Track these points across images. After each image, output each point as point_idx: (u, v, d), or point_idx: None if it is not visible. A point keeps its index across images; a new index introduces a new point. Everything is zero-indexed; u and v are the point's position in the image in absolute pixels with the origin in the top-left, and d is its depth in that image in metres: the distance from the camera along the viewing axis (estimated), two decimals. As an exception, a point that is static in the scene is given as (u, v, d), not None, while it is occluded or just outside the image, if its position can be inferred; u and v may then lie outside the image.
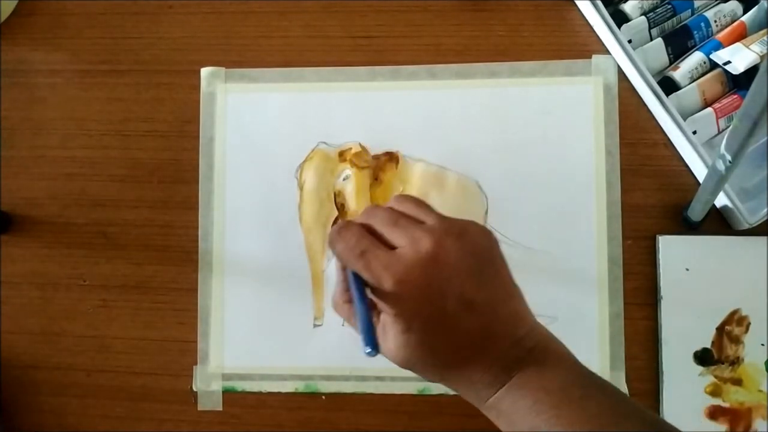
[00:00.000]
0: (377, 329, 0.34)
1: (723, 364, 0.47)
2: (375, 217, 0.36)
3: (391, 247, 0.34)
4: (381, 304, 0.33)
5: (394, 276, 0.32)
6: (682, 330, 0.48)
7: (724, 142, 0.38)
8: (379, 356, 0.50)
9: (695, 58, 0.50)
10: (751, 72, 0.46)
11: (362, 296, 0.34)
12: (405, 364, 0.33)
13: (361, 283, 0.34)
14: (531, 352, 0.33)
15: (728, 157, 0.38)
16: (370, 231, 0.35)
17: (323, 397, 0.50)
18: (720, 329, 0.48)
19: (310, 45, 0.53)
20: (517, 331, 0.33)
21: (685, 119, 0.49)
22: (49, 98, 0.54)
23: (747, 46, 0.48)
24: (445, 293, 0.32)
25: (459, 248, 0.33)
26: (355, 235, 0.35)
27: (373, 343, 0.32)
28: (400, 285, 0.32)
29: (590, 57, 0.51)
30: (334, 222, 0.51)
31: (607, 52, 0.51)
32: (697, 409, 0.47)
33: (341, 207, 0.51)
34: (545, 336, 0.34)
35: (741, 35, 0.50)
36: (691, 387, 0.47)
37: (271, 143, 0.52)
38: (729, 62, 0.48)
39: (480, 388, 0.33)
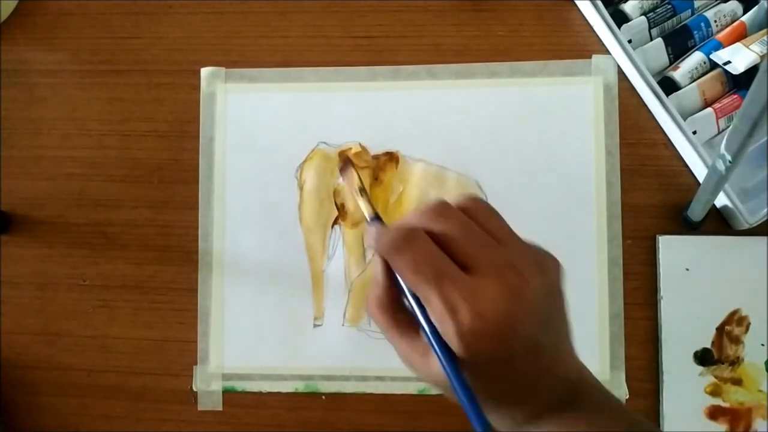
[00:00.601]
0: (417, 346, 0.30)
1: (723, 364, 0.47)
2: (447, 222, 0.31)
3: (462, 266, 0.29)
4: (443, 330, 0.29)
5: (473, 309, 0.28)
6: (682, 330, 0.48)
7: (724, 142, 0.38)
8: (379, 355, 0.51)
9: (695, 58, 0.50)
10: (751, 72, 0.46)
11: (444, 347, 0.29)
12: (445, 387, 0.30)
13: (425, 314, 0.29)
14: (577, 392, 0.31)
15: (728, 157, 0.38)
16: (436, 239, 0.30)
17: (323, 397, 0.50)
18: (720, 329, 0.48)
19: (310, 45, 0.53)
20: (569, 371, 0.31)
21: (685, 119, 0.49)
22: (49, 98, 0.54)
23: (747, 46, 0.48)
24: (517, 332, 0.28)
25: (542, 285, 0.30)
26: (430, 251, 0.29)
27: (483, 421, 0.27)
28: (478, 320, 0.28)
29: (590, 57, 0.51)
30: (335, 222, 0.51)
31: (607, 52, 0.51)
32: (697, 409, 0.47)
33: (341, 207, 0.51)
34: (587, 374, 0.32)
35: (741, 35, 0.50)
36: (691, 387, 0.47)
37: (271, 143, 0.52)
38: (729, 62, 0.48)
39: (521, 422, 0.31)
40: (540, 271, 0.30)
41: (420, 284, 0.29)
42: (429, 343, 0.29)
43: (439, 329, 0.29)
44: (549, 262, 0.32)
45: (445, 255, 0.29)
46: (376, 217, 0.33)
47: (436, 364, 0.29)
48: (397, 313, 0.32)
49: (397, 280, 0.31)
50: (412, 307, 0.30)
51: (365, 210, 0.34)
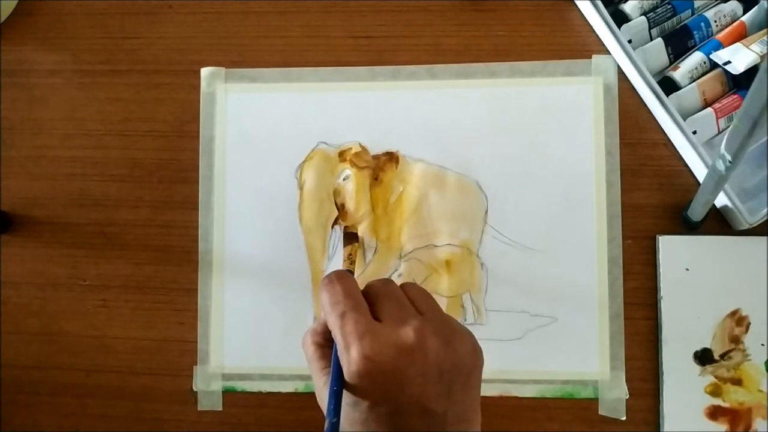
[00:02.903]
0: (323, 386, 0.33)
1: (723, 363, 0.47)
2: (375, 285, 0.35)
3: (376, 317, 0.33)
4: (342, 367, 0.32)
5: (362, 349, 0.31)
6: (682, 330, 0.48)
7: (724, 142, 0.38)
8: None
9: (695, 58, 0.50)
10: (751, 72, 0.46)
11: (338, 364, 0.32)
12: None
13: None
14: None
15: (728, 157, 0.38)
16: (365, 294, 0.34)
17: (323, 397, 0.50)
18: (720, 329, 0.48)
19: (310, 45, 0.53)
20: None
21: (685, 119, 0.49)
22: (49, 98, 0.54)
23: (747, 46, 0.48)
24: (404, 390, 0.30)
25: (440, 352, 0.31)
26: (344, 291, 0.33)
27: (336, 413, 0.31)
28: (365, 361, 0.30)
29: (590, 57, 0.51)
30: (335, 222, 0.51)
31: (607, 52, 0.51)
32: (697, 409, 0.47)
33: (341, 207, 0.51)
34: None
35: (741, 35, 0.50)
36: (691, 387, 0.47)
37: (271, 143, 0.52)
38: (729, 62, 0.48)
39: None
40: (446, 342, 0.32)
41: (329, 318, 0.33)
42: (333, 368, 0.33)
43: (340, 356, 0.32)
44: (461, 341, 0.33)
45: (362, 300, 0.33)
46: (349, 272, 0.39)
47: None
48: (324, 348, 0.35)
49: None
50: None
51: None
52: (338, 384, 0.32)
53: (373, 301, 0.33)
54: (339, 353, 0.32)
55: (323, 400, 0.33)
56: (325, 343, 0.35)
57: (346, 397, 0.31)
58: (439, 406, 0.31)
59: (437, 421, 0.31)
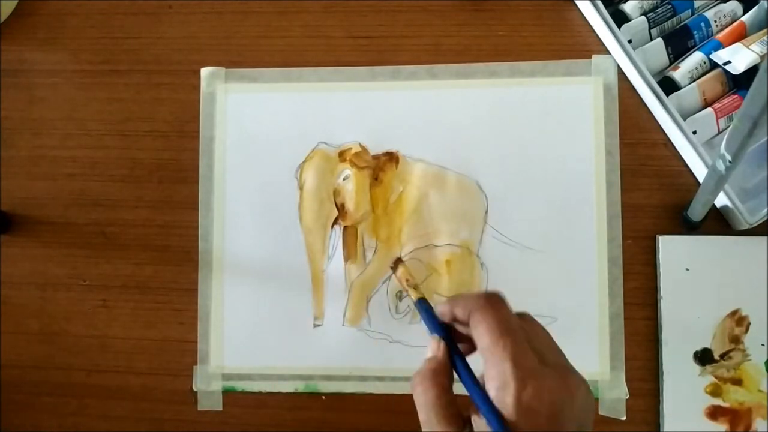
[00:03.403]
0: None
1: (723, 363, 0.47)
2: (519, 317, 0.33)
3: None
4: (499, 403, 0.29)
5: (538, 385, 0.29)
6: (682, 330, 0.48)
7: (724, 142, 0.38)
8: (379, 355, 0.51)
9: (695, 58, 0.50)
10: (751, 72, 0.46)
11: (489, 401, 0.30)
12: None
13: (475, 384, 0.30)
14: None
15: (728, 157, 0.38)
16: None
17: (323, 397, 0.50)
18: (720, 329, 0.48)
19: (310, 45, 0.53)
20: None
21: (685, 119, 0.49)
22: (49, 98, 0.54)
23: (747, 46, 0.48)
24: (562, 430, 0.29)
25: (587, 398, 0.31)
26: (512, 321, 0.31)
27: None
28: (537, 400, 0.29)
29: (590, 57, 0.51)
30: (335, 222, 0.51)
31: (607, 52, 0.51)
32: (697, 409, 0.47)
33: (341, 207, 0.51)
34: None
35: (741, 35, 0.50)
36: (691, 387, 0.47)
37: (271, 143, 0.52)
38: (729, 62, 0.48)
39: None
40: (588, 391, 0.32)
41: (497, 347, 0.30)
42: (479, 405, 0.30)
43: (494, 394, 0.30)
44: (591, 396, 0.32)
45: (522, 333, 0.31)
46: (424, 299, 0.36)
47: None
48: (450, 393, 0.32)
49: (452, 356, 0.32)
50: (464, 373, 0.32)
51: (413, 295, 0.37)
52: (503, 427, 0.29)
53: (526, 338, 0.31)
54: (502, 385, 0.29)
55: None
56: (449, 386, 0.32)
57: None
58: None
59: None
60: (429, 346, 0.33)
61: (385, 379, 0.49)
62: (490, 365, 0.30)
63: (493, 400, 0.29)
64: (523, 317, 0.34)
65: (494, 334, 0.30)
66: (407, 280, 0.37)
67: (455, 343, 0.33)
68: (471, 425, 0.31)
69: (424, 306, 0.35)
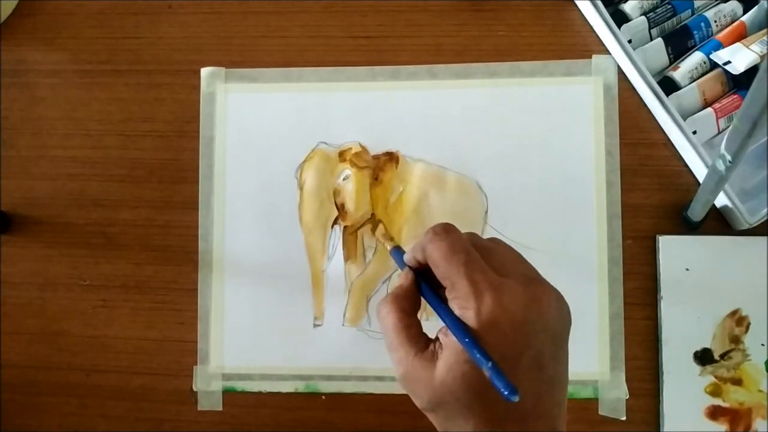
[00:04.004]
0: (423, 354, 0.30)
1: (723, 363, 0.47)
2: (482, 241, 0.33)
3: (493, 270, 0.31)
4: (465, 317, 0.30)
5: (497, 298, 0.29)
6: (682, 330, 0.48)
7: (724, 142, 0.38)
8: (379, 355, 0.50)
9: (695, 58, 0.50)
10: (751, 72, 0.46)
11: (453, 316, 0.30)
12: (444, 399, 0.30)
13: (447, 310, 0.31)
14: None
15: (728, 157, 0.38)
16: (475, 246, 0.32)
17: (323, 397, 0.50)
18: (720, 329, 0.48)
19: (310, 45, 0.53)
20: (558, 422, 0.30)
21: (685, 119, 0.49)
22: (49, 98, 0.54)
23: (747, 46, 0.48)
24: (530, 344, 0.29)
25: (557, 309, 0.31)
26: (463, 243, 0.31)
27: (508, 383, 0.27)
28: (500, 311, 0.29)
29: (590, 57, 0.51)
30: (334, 222, 0.51)
31: (607, 52, 0.51)
32: (697, 409, 0.47)
33: (341, 207, 0.51)
34: None
35: (741, 35, 0.50)
36: (691, 387, 0.47)
37: (271, 143, 0.52)
38: (729, 62, 0.48)
39: None
40: (558, 301, 0.31)
41: (451, 268, 0.30)
42: (446, 322, 0.30)
43: (459, 314, 0.30)
44: (567, 306, 0.32)
45: (477, 253, 0.31)
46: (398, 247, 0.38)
47: (452, 358, 0.29)
48: (411, 316, 0.32)
49: (420, 284, 0.33)
50: (432, 295, 0.32)
51: (389, 246, 0.39)
52: (468, 335, 0.29)
53: (484, 255, 0.32)
54: (463, 302, 0.30)
55: (413, 376, 0.31)
56: (411, 310, 0.33)
57: (466, 354, 0.29)
58: (550, 365, 0.30)
59: (547, 379, 0.30)
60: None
61: (385, 379, 0.49)
62: (450, 288, 0.31)
63: (463, 312, 0.30)
64: (491, 240, 0.34)
65: (446, 258, 0.31)
66: (384, 235, 0.40)
67: (426, 277, 0.33)
68: (435, 344, 0.31)
69: (398, 253, 0.37)
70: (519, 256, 0.34)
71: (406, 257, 0.35)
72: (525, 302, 0.29)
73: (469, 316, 0.29)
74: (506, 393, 0.27)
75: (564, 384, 0.31)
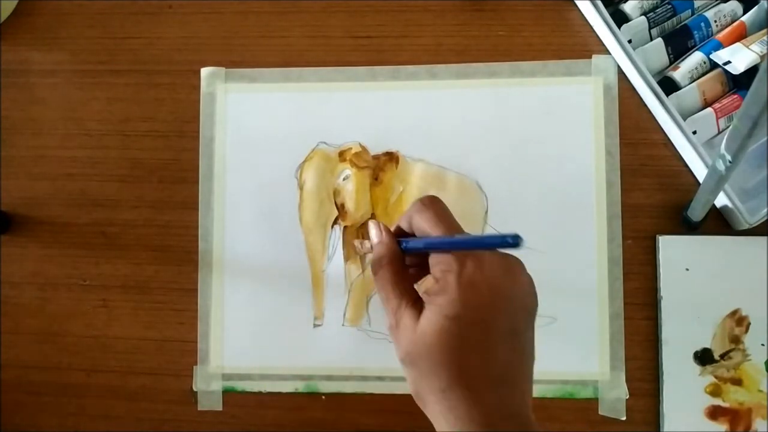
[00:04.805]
0: (412, 306, 0.33)
1: (723, 363, 0.47)
2: (447, 212, 0.36)
3: None
4: (443, 282, 0.32)
5: (477, 262, 0.31)
6: (682, 330, 0.48)
7: (724, 142, 0.38)
8: (379, 355, 0.50)
9: (695, 58, 0.50)
10: (751, 72, 0.46)
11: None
12: (420, 352, 0.31)
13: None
14: (530, 425, 0.31)
15: (728, 157, 0.38)
16: None
17: (323, 397, 0.50)
18: (720, 329, 0.48)
19: (310, 45, 0.53)
20: (528, 392, 0.32)
21: (685, 119, 0.49)
22: (49, 98, 0.54)
23: (747, 46, 0.48)
24: (505, 309, 0.31)
25: (529, 282, 0.33)
26: (448, 213, 0.34)
27: (506, 235, 0.31)
28: (479, 273, 0.31)
29: (590, 57, 0.51)
30: (335, 222, 0.51)
31: (607, 52, 0.51)
32: (697, 409, 0.47)
33: (341, 207, 0.51)
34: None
35: (741, 35, 0.50)
36: (691, 387, 0.47)
37: (271, 143, 0.52)
38: (729, 62, 0.48)
39: (466, 421, 0.30)
40: (531, 284, 0.33)
41: (435, 231, 0.33)
42: (429, 243, 0.34)
43: (439, 276, 0.32)
44: (533, 284, 0.34)
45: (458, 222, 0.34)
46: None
47: (426, 321, 0.31)
48: (403, 271, 0.35)
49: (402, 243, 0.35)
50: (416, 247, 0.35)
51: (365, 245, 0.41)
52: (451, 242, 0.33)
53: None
54: (445, 266, 0.32)
55: (400, 325, 0.33)
56: (402, 267, 0.35)
57: (448, 310, 0.31)
58: (523, 335, 0.32)
59: (519, 349, 0.32)
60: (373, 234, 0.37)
61: (385, 379, 0.49)
62: (433, 254, 0.33)
63: (438, 282, 0.32)
64: None
65: (432, 226, 0.33)
66: (358, 240, 0.42)
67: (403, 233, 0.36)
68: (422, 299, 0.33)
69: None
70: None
71: (394, 229, 0.37)
72: (502, 271, 0.32)
73: (449, 281, 0.31)
74: (510, 240, 0.31)
75: (532, 361, 0.33)
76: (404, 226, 0.36)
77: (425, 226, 0.34)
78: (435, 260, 0.33)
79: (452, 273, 0.31)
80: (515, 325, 0.32)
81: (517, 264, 0.33)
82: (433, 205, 0.34)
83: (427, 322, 0.31)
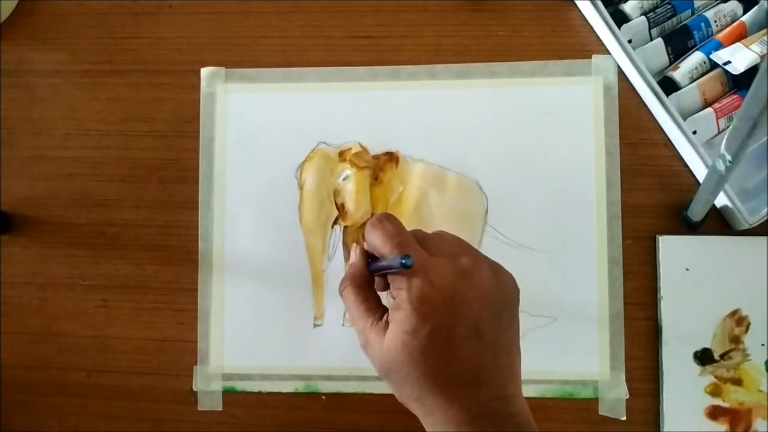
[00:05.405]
0: (378, 324, 0.34)
1: (723, 363, 0.47)
2: (419, 230, 0.37)
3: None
4: (399, 299, 0.33)
5: (426, 275, 0.32)
6: (682, 330, 0.48)
7: (724, 142, 0.38)
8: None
9: (695, 58, 0.50)
10: (751, 72, 0.46)
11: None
12: (390, 367, 0.33)
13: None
14: (510, 419, 0.32)
15: (728, 157, 0.38)
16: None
17: (323, 397, 0.50)
18: (720, 329, 0.48)
19: (310, 45, 0.53)
20: (507, 387, 0.33)
21: (685, 119, 0.49)
22: (49, 98, 0.54)
23: (747, 46, 0.48)
24: (464, 313, 0.32)
25: (492, 279, 0.33)
26: (397, 229, 0.35)
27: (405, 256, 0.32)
28: (428, 286, 0.32)
29: (590, 57, 0.51)
30: (335, 222, 0.51)
31: (607, 52, 0.51)
32: (697, 409, 0.47)
33: (341, 207, 0.51)
34: (528, 413, 0.33)
35: (741, 35, 0.50)
36: (691, 387, 0.47)
37: (271, 143, 0.52)
38: (729, 62, 0.48)
39: (443, 423, 0.32)
40: (492, 271, 0.34)
41: (386, 252, 0.34)
42: (385, 263, 0.34)
43: (394, 293, 0.33)
44: (504, 271, 0.35)
45: (410, 236, 0.35)
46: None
47: (389, 338, 0.32)
48: (367, 291, 0.36)
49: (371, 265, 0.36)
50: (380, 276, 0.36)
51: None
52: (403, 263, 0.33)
53: (421, 240, 0.35)
54: (398, 284, 0.33)
55: (369, 344, 0.34)
56: (367, 285, 0.36)
57: (405, 325, 0.32)
58: (490, 333, 0.32)
59: (489, 347, 0.32)
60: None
61: (385, 379, 0.49)
62: (388, 274, 0.34)
63: (395, 299, 0.33)
64: (435, 232, 0.37)
65: (382, 244, 0.34)
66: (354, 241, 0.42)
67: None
68: (387, 315, 0.34)
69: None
70: (459, 240, 0.36)
71: (360, 249, 0.38)
72: (454, 276, 0.32)
73: (402, 296, 0.32)
74: (402, 262, 0.31)
75: (511, 349, 0.34)
76: (365, 245, 0.37)
77: (376, 245, 0.35)
78: (391, 278, 0.34)
79: (403, 290, 0.32)
80: (479, 326, 0.32)
81: (474, 264, 0.33)
82: (381, 224, 0.35)
83: (390, 339, 0.32)
